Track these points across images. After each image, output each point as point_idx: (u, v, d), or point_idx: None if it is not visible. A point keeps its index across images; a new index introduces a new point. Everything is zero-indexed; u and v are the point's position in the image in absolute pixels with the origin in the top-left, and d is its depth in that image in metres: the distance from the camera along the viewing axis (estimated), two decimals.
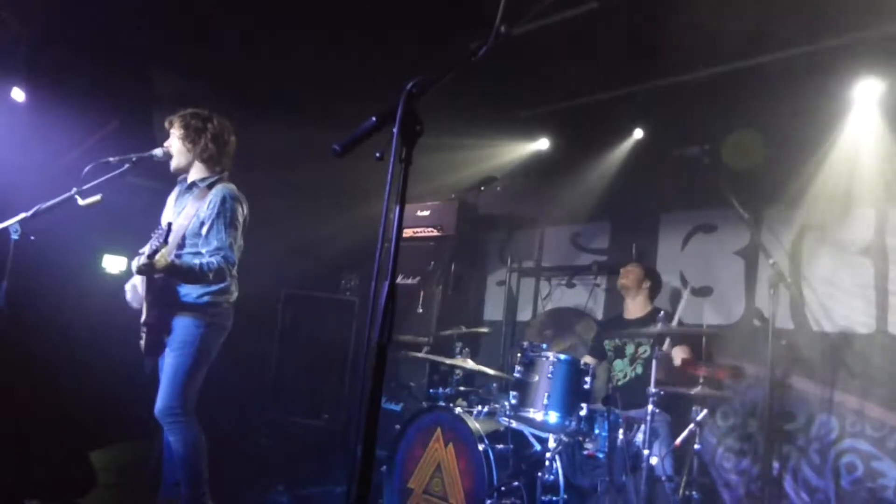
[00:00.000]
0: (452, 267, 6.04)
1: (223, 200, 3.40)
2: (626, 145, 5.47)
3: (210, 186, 3.48)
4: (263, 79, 5.16)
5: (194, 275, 3.29)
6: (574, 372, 3.77)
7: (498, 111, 5.49)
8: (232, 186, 3.51)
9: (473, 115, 5.40)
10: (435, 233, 6.19)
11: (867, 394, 4.37)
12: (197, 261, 3.32)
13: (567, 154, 5.82)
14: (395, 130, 1.45)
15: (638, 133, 5.31)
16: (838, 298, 4.60)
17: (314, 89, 5.16)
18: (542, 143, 5.96)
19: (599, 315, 5.76)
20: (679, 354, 4.30)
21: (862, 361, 4.42)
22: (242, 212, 3.49)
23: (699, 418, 3.88)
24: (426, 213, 6.26)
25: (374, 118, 1.46)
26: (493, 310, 6.48)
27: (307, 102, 5.19)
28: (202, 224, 3.39)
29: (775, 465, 4.59)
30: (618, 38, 4.40)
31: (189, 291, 3.39)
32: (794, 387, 4.65)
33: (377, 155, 1.45)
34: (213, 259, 3.32)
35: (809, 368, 4.62)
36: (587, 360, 4.77)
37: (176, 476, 3.37)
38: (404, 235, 6.34)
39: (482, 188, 5.85)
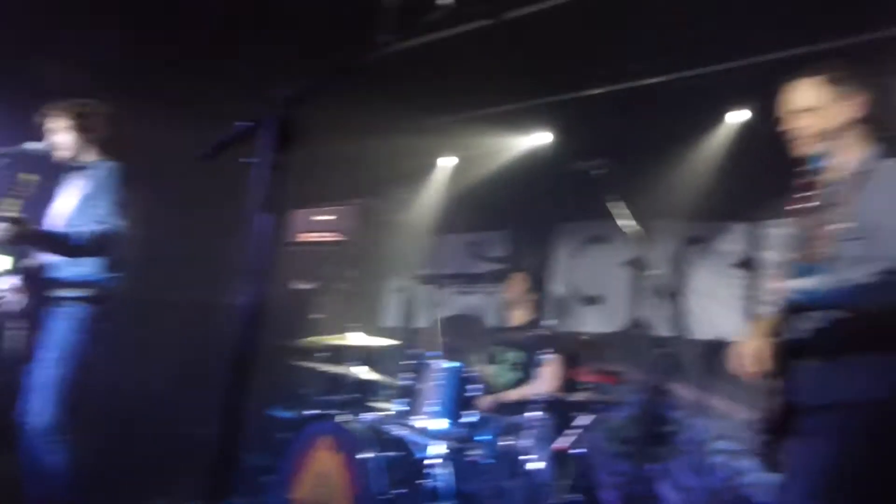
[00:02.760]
0: (352, 272, 6.00)
1: (110, 174, 3.28)
2: (525, 156, 5.60)
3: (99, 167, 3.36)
4: (146, 74, 4.96)
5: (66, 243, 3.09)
6: (461, 379, 3.82)
7: (404, 119, 5.50)
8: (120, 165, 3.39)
9: (382, 122, 5.41)
10: (334, 237, 6.14)
11: (735, 397, 4.66)
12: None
13: (469, 163, 5.91)
14: (268, 135, 1.43)
15: (538, 143, 5.45)
16: (714, 308, 4.89)
17: (199, 88, 5.00)
18: (451, 160, 6.01)
19: (495, 323, 5.87)
20: (556, 363, 4.44)
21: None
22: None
23: (580, 423, 4.01)
24: (327, 217, 6.20)
25: (248, 122, 1.43)
26: (391, 316, 6.48)
27: (192, 100, 5.02)
28: (88, 198, 3.23)
29: (652, 467, 4.80)
30: (520, 52, 4.51)
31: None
32: (673, 391, 4.89)
33: (246, 161, 1.43)
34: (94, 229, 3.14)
35: (687, 374, 4.87)
36: (481, 367, 4.84)
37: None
38: (304, 239, 6.26)
39: (379, 194, 5.83)
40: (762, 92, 4.28)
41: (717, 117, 4.67)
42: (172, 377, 5.98)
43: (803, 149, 2.34)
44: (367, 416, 4.04)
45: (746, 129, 4.65)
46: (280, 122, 1.41)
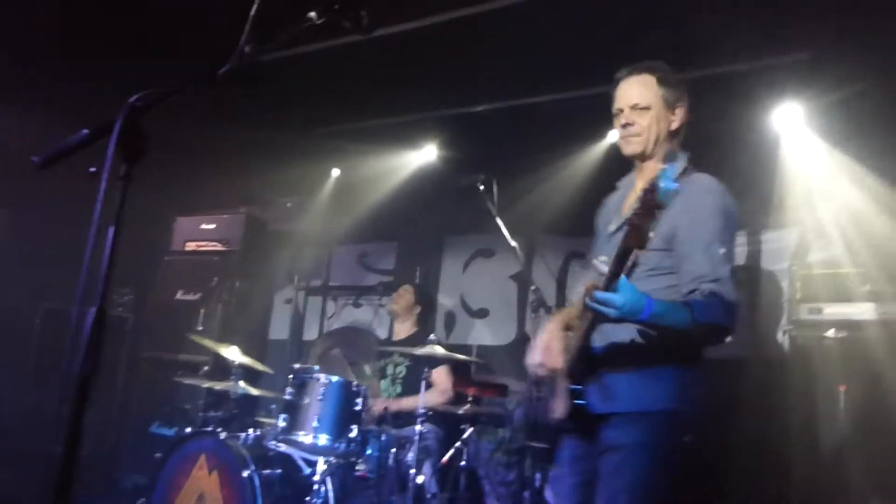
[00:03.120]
0: (237, 283, 5.82)
1: None
2: (415, 169, 5.61)
3: None
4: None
5: None
6: (346, 393, 3.77)
7: (294, 127, 5.40)
8: None
9: (269, 130, 5.28)
10: (219, 247, 5.92)
11: None
12: None
13: (357, 175, 5.86)
14: (115, 142, 1.35)
15: (426, 157, 5.49)
16: None
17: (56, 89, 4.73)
18: (335, 171, 5.94)
19: (384, 335, 5.85)
20: (442, 376, 4.47)
21: None
22: None
23: (465, 436, 4.05)
24: (211, 226, 5.98)
25: (85, 130, 1.35)
26: (279, 328, 6.33)
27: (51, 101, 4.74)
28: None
29: (538, 475, 4.91)
30: (407, 66, 4.54)
31: None
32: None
33: (91, 169, 1.35)
34: None
35: None
36: (368, 381, 4.80)
37: None
38: (186, 249, 6.01)
39: (266, 204, 5.73)
40: None
41: (599, 135, 4.86)
42: (18, 389, 5.59)
43: (633, 148, 2.37)
44: (251, 433, 3.91)
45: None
46: (127, 128, 1.34)
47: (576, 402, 2.10)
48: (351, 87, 4.82)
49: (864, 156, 4.17)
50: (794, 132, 4.39)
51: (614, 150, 4.87)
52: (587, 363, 2.14)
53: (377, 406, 4.33)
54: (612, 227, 2.41)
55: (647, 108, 2.33)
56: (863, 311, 3.77)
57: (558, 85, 4.58)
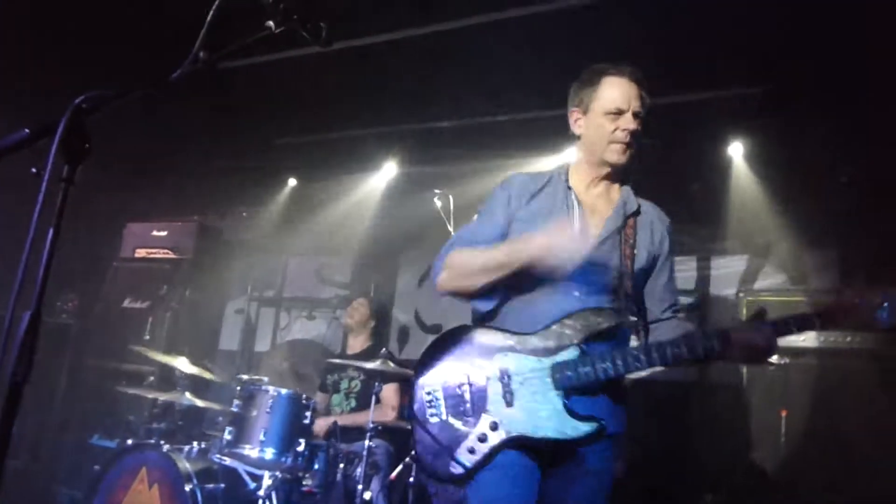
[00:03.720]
0: (187, 292, 5.70)
1: None
2: (373, 182, 5.61)
3: None
4: None
5: None
6: (295, 407, 3.71)
7: (252, 137, 5.35)
8: None
9: (227, 138, 5.22)
10: (171, 255, 5.80)
11: None
12: None
13: (315, 186, 5.83)
14: (54, 145, 1.32)
15: (385, 171, 5.49)
16: None
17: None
18: (291, 181, 5.90)
19: (338, 349, 5.79)
20: (393, 391, 4.45)
21: None
22: None
23: (414, 452, 4.01)
24: (162, 233, 5.85)
25: (27, 129, 1.31)
26: (230, 339, 6.22)
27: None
28: None
29: None
30: (368, 80, 4.55)
31: None
32: None
33: (33, 170, 1.31)
34: None
35: None
36: (319, 394, 4.74)
37: None
38: (136, 255, 5.87)
39: (221, 213, 5.64)
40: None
41: (555, 154, 4.93)
42: None
43: (625, 160, 2.13)
44: (195, 446, 3.82)
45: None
46: (71, 129, 1.31)
47: (600, 422, 1.95)
48: (311, 98, 4.81)
49: (796, 187, 4.33)
50: (745, 162, 4.53)
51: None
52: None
53: (326, 420, 4.28)
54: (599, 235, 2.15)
55: (640, 119, 2.13)
56: (805, 338, 3.89)
57: (517, 104, 4.64)
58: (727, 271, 4.72)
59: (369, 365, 3.79)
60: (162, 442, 3.79)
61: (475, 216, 2.29)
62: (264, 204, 5.96)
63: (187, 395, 3.96)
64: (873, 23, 3.24)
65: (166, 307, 5.55)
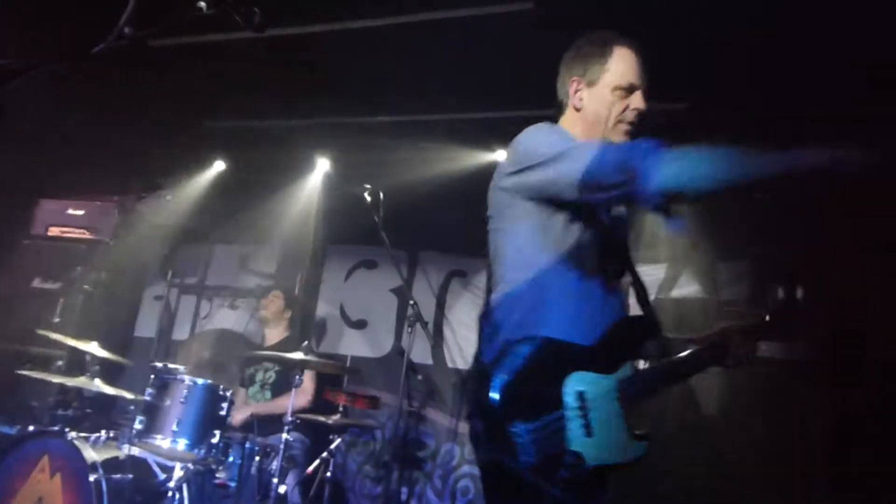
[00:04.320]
0: (103, 275, 5.47)
1: None
2: (304, 174, 5.53)
3: None
4: None
5: None
6: (210, 398, 3.63)
7: (181, 118, 5.18)
8: None
9: (154, 118, 5.04)
10: (87, 235, 5.56)
11: None
12: None
13: (245, 174, 5.70)
14: None
15: (316, 163, 5.42)
16: (471, 339, 5.14)
17: None
18: (219, 164, 5.74)
19: (259, 340, 5.69)
20: (309, 385, 4.42)
21: None
22: None
23: (333, 446, 4.00)
24: (79, 211, 5.61)
25: None
26: (146, 325, 6.01)
27: None
28: None
29: (404, 489, 4.92)
30: (305, 70, 4.48)
31: None
32: (428, 417, 5.07)
33: None
34: None
35: (442, 401, 5.08)
36: (234, 386, 4.65)
37: None
38: (49, 234, 5.61)
39: (143, 195, 5.46)
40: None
41: (484, 155, 4.99)
42: None
43: (626, 140, 1.90)
44: (103, 435, 3.69)
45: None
46: None
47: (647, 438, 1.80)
48: (245, 84, 4.70)
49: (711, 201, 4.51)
50: None
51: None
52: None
53: (243, 412, 4.21)
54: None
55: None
56: None
57: (450, 105, 4.68)
58: (647, 279, 4.87)
59: (288, 355, 3.74)
60: (67, 429, 3.63)
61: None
62: (190, 188, 5.78)
63: (97, 381, 3.81)
64: (783, 40, 3.38)
65: (79, 289, 5.32)
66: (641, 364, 1.89)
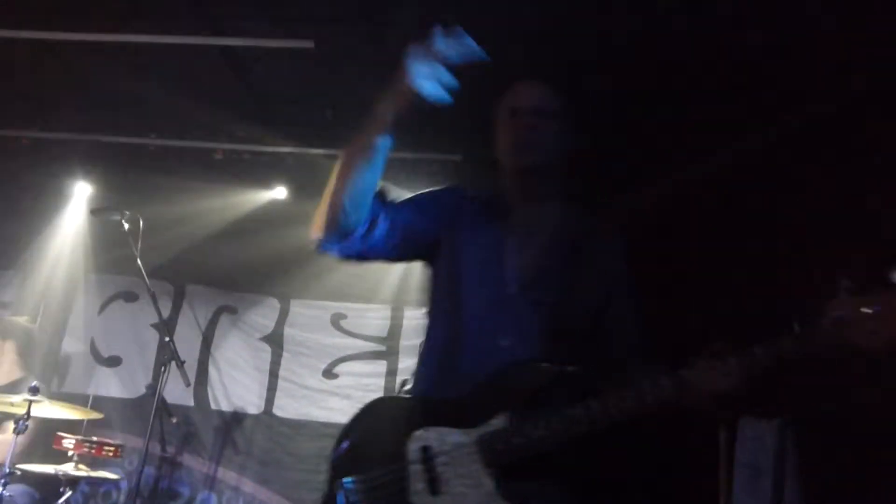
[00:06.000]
0: None
1: None
2: (56, 193, 5.00)
3: None
4: None
5: None
6: None
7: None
8: None
9: None
10: None
11: (245, 470, 4.68)
12: None
13: None
14: None
15: (69, 182, 4.95)
16: (239, 380, 4.90)
17: None
18: None
19: None
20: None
21: (246, 440, 4.74)
22: None
23: (61, 501, 3.55)
24: None
25: None
26: None
27: None
28: None
29: None
30: (59, 81, 4.11)
31: None
32: (184, 464, 4.70)
33: None
34: None
35: (201, 445, 4.75)
36: None
37: None
38: None
39: None
40: (298, 175, 4.61)
41: (262, 191, 4.88)
42: None
43: (530, 157, 1.86)
44: None
45: (285, 207, 4.87)
46: None
47: None
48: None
49: None
50: None
51: (276, 207, 4.90)
52: None
53: None
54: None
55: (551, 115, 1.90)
56: None
57: (230, 135, 4.53)
58: (417, 322, 4.97)
59: (14, 398, 3.28)
60: None
61: None
62: None
63: None
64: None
65: None
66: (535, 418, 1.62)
